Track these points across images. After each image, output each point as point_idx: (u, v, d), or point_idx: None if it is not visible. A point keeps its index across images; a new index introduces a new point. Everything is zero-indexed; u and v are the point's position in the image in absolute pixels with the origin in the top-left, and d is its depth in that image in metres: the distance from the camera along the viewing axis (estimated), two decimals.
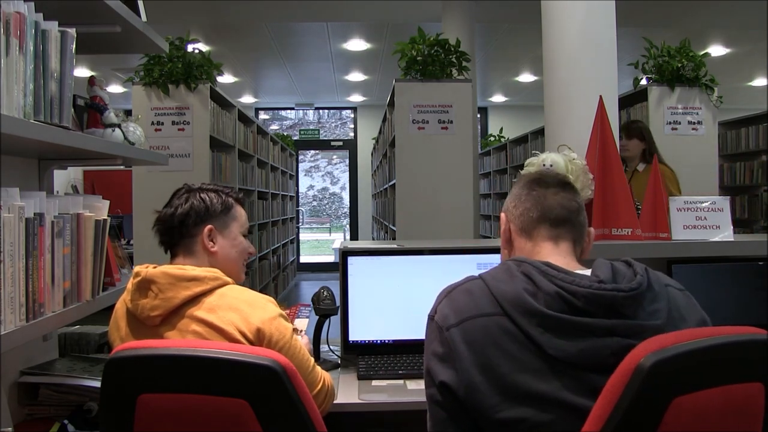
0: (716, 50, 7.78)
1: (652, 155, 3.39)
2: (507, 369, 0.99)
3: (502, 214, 1.26)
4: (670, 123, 4.53)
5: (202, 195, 1.49)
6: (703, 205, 1.99)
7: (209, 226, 1.47)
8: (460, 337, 1.03)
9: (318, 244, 13.62)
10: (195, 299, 1.35)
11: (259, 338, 1.33)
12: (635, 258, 1.90)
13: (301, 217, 11.48)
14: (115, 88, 8.71)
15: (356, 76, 9.46)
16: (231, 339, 1.31)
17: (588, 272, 1.10)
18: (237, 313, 1.34)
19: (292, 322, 1.62)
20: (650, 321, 1.01)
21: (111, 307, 1.51)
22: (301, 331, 1.81)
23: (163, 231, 1.49)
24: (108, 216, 1.55)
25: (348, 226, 11.88)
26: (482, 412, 0.99)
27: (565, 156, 1.90)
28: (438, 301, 1.13)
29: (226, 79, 9.09)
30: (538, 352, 0.99)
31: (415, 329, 1.74)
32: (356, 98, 11.13)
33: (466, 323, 1.04)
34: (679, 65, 4.46)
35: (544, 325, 0.99)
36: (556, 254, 1.16)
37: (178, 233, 1.47)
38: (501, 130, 9.84)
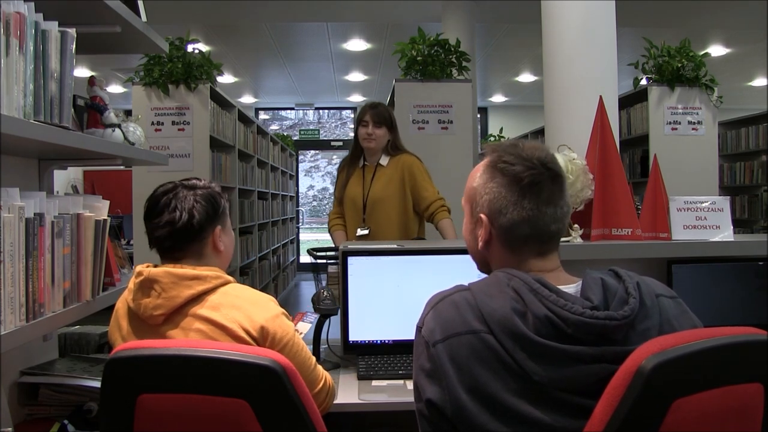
0: (716, 50, 7.79)
1: (396, 148, 2.98)
2: (493, 388, 0.97)
3: (483, 216, 1.11)
4: (670, 123, 4.54)
5: (205, 194, 1.44)
6: (703, 205, 1.99)
7: (218, 227, 1.46)
8: (446, 354, 1.01)
9: (318, 244, 13.61)
10: (198, 298, 1.35)
11: (263, 336, 1.33)
12: (635, 258, 1.93)
13: (301, 217, 11.48)
14: (115, 88, 8.71)
15: (356, 76, 9.46)
16: (235, 337, 1.31)
17: (577, 285, 1.07)
18: (240, 311, 1.34)
19: (295, 324, 1.61)
20: (640, 344, 0.97)
21: (111, 307, 1.50)
22: (301, 333, 1.80)
23: (174, 237, 1.39)
24: (108, 216, 1.55)
25: None
26: (473, 430, 0.98)
27: (565, 156, 1.90)
28: (425, 312, 1.10)
29: (226, 79, 9.09)
30: (522, 374, 0.97)
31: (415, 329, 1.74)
32: (356, 98, 11.12)
33: (452, 340, 1.01)
34: (679, 65, 4.46)
35: (529, 351, 0.97)
36: (543, 267, 1.11)
37: (193, 238, 1.40)
38: (501, 130, 9.85)
